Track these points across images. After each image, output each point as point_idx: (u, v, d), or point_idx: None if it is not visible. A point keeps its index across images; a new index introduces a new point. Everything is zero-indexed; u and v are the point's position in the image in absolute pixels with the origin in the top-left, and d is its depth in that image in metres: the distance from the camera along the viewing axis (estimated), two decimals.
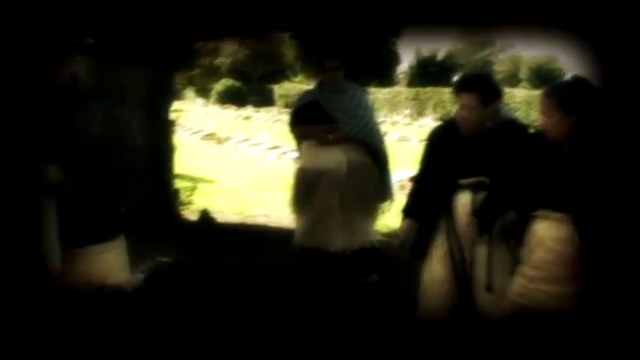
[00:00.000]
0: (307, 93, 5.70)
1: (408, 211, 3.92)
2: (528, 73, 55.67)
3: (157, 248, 6.23)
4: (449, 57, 53.84)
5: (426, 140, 4.00)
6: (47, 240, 2.96)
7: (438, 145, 3.85)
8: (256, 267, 5.87)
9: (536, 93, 24.48)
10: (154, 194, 6.93)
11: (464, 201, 3.65)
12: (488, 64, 60.45)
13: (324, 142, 5.25)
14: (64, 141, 2.99)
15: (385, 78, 42.63)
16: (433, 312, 3.80)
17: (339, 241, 5.26)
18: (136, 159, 3.27)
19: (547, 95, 3.20)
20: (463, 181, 3.66)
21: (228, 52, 43.61)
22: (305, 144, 5.44)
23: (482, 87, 3.61)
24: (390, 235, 6.95)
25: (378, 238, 5.68)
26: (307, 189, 5.35)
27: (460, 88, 3.68)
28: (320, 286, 5.27)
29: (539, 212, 3.22)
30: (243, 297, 5.02)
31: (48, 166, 2.92)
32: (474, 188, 3.63)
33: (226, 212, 8.53)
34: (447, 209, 3.71)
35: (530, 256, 3.27)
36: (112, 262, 3.23)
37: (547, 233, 3.19)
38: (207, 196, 9.30)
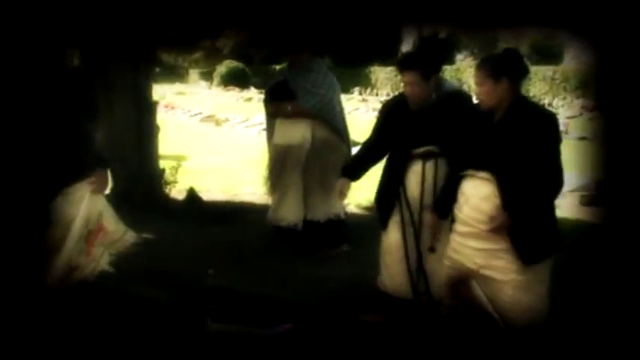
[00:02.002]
0: (280, 72, 5.89)
1: (346, 170, 4.20)
2: (527, 50, 55.38)
3: (142, 226, 6.42)
4: (452, 34, 53.33)
5: (378, 112, 4.20)
6: None
7: (390, 118, 4.05)
8: (235, 241, 6.05)
9: (535, 69, 24.80)
10: (139, 175, 7.12)
11: (415, 170, 3.87)
12: (492, 40, 59.81)
13: (285, 114, 5.46)
14: None
15: (389, 57, 42.35)
16: (392, 280, 4.04)
17: (292, 216, 5.49)
18: None
19: (479, 66, 3.40)
20: (414, 151, 3.87)
21: (230, 33, 43.45)
22: (277, 121, 5.62)
23: (422, 64, 3.80)
24: (369, 208, 7.14)
25: (357, 210, 5.81)
26: (277, 165, 5.57)
27: (401, 67, 3.87)
28: (293, 256, 5.48)
29: (468, 172, 3.43)
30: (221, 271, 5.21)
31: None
32: (424, 157, 3.84)
33: (213, 191, 8.64)
34: (400, 178, 3.92)
35: (458, 214, 3.48)
36: None
37: (473, 191, 3.39)
38: (196, 176, 9.41)
